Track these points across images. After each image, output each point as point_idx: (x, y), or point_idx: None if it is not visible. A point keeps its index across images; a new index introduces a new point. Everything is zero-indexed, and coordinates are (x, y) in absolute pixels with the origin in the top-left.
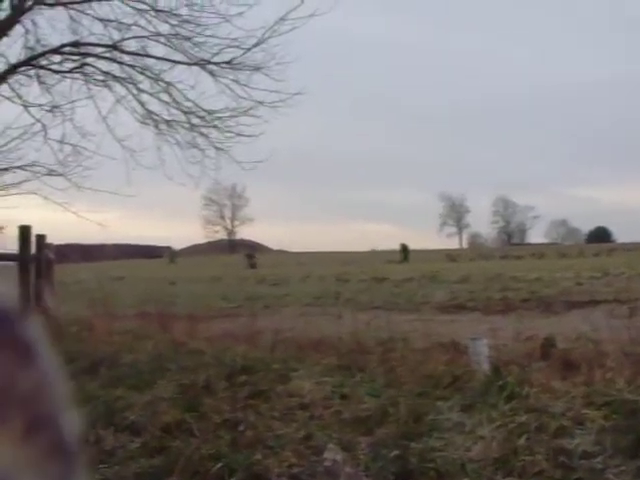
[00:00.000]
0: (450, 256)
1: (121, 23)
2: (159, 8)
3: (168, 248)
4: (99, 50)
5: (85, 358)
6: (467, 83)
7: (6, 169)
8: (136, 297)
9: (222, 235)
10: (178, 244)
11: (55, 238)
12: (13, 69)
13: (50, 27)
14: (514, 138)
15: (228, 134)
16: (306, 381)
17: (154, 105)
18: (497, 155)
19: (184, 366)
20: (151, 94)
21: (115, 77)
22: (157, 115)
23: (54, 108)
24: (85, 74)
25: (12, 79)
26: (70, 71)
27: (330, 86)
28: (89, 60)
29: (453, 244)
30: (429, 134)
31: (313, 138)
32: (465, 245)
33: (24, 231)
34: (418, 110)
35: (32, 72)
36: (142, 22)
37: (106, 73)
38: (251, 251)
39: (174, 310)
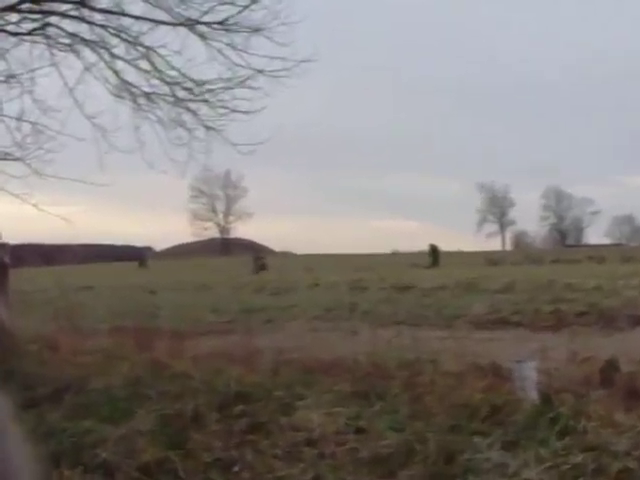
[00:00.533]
0: (490, 259)
1: None
2: None
3: (148, 249)
4: (64, 7)
5: (47, 383)
6: (508, 53)
7: None
8: (109, 309)
9: (214, 233)
10: (161, 244)
11: (10, 237)
12: None
13: None
14: (568, 117)
15: (221, 110)
16: (315, 412)
17: (131, 75)
18: (548, 137)
19: (167, 393)
20: (127, 61)
21: (84, 40)
22: (135, 87)
23: (10, 78)
24: (47, 37)
25: None
26: (29, 33)
27: (344, 52)
28: (52, 20)
29: (494, 245)
30: (465, 111)
31: (324, 115)
32: (509, 246)
33: None
34: (452, 83)
35: None
36: None
37: (73, 35)
38: (255, 253)
39: (155, 325)
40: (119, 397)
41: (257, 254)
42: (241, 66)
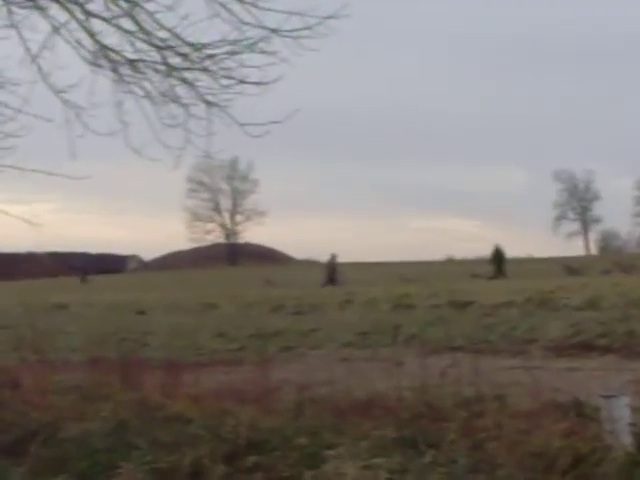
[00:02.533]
0: (570, 267)
1: None
2: None
3: (133, 258)
4: None
5: (7, 431)
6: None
7: None
8: (86, 335)
9: (218, 237)
10: (151, 251)
11: None
12: None
13: None
14: None
15: (225, 81)
16: (349, 464)
17: (111, 37)
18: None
19: (160, 441)
20: (106, 20)
21: None
22: (116, 52)
23: None
24: None
25: None
26: None
27: (380, 9)
28: None
29: (575, 249)
30: (529, 82)
31: (357, 89)
32: (594, 250)
33: None
34: (509, 41)
35: None
36: None
37: None
38: (331, 261)
39: (144, 355)
40: (99, 447)
41: (332, 260)
42: (250, 24)
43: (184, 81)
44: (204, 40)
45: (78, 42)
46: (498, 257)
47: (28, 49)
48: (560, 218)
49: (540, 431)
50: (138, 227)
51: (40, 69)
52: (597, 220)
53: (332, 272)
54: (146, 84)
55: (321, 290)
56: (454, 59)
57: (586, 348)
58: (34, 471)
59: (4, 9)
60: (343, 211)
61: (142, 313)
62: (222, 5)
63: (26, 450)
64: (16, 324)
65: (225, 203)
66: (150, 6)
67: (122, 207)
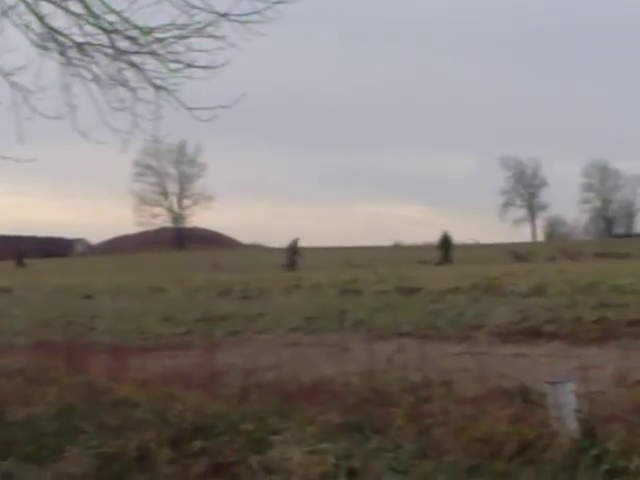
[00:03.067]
0: (517, 254)
1: None
2: None
3: (79, 241)
4: None
5: None
6: None
7: None
8: (31, 318)
9: (165, 221)
10: (98, 235)
11: None
12: None
13: None
14: (615, 70)
15: (173, 65)
16: (294, 449)
17: (59, 20)
18: (589, 97)
19: (106, 425)
20: (54, 2)
21: None
22: (64, 35)
23: None
24: None
25: None
26: None
27: None
28: None
29: (522, 235)
30: (476, 66)
31: (306, 74)
32: (540, 237)
33: None
34: (455, 28)
35: None
36: None
37: None
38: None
39: (91, 339)
40: (45, 431)
41: (294, 244)
42: (199, 9)
43: (132, 65)
44: (152, 24)
45: (26, 25)
46: (446, 244)
47: None
48: (507, 204)
49: (486, 417)
50: (85, 211)
51: None
52: (544, 207)
53: (293, 255)
54: (94, 67)
55: (269, 274)
56: (405, 45)
57: (533, 334)
58: None
59: None
60: (291, 196)
61: (88, 297)
62: None
63: None
64: None
65: (173, 187)
66: None
67: (70, 190)
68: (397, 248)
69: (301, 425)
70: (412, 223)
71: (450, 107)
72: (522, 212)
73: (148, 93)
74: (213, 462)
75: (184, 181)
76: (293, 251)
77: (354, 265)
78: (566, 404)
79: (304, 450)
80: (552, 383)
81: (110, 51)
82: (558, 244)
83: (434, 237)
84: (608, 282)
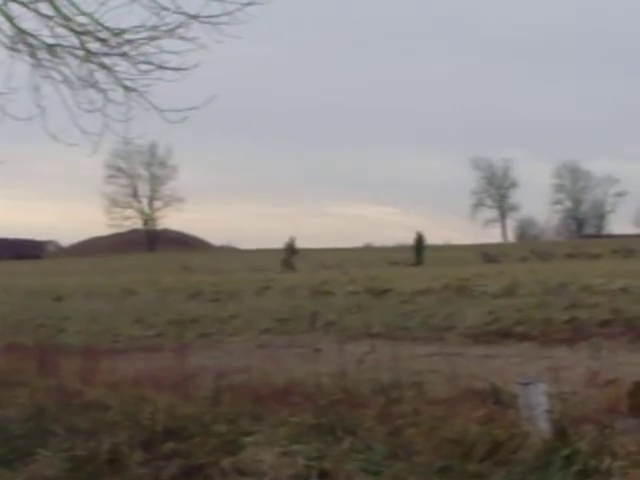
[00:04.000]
0: (488, 255)
1: None
2: None
3: (49, 243)
4: None
5: None
6: None
7: None
8: (2, 321)
9: (136, 223)
10: (69, 237)
11: None
12: None
13: None
14: (586, 73)
15: (144, 66)
16: (266, 450)
17: (30, 22)
18: (559, 100)
19: (77, 428)
20: (25, 4)
21: None
22: (34, 37)
23: None
24: None
25: None
26: None
27: None
28: None
29: (492, 236)
30: (444, 66)
31: (277, 75)
32: (511, 238)
33: None
34: (424, 28)
35: None
36: None
37: None
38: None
39: (61, 341)
40: (16, 434)
41: (291, 243)
42: (169, 10)
43: (103, 66)
44: (123, 25)
45: None
46: (418, 245)
47: None
48: (478, 205)
49: (458, 418)
50: (56, 213)
51: None
52: (515, 207)
53: (290, 256)
54: (64, 69)
55: (240, 276)
56: (374, 44)
57: (503, 335)
58: None
59: None
60: (263, 198)
61: (60, 299)
62: None
63: None
64: None
65: (144, 189)
66: None
67: (40, 192)
68: (368, 249)
69: (273, 427)
70: (383, 224)
71: (420, 108)
72: (493, 213)
73: (119, 95)
74: (185, 464)
75: (155, 183)
76: (291, 251)
77: (325, 266)
78: (537, 405)
79: (276, 452)
80: (524, 384)
81: (80, 53)
82: (529, 245)
83: (405, 238)
84: (579, 283)
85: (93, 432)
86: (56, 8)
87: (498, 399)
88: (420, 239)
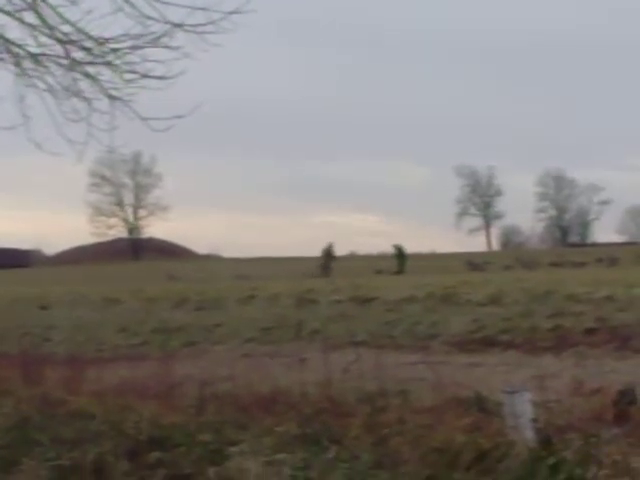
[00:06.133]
0: (473, 263)
1: None
2: None
3: (34, 252)
4: None
5: None
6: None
7: None
8: None
9: (120, 232)
10: (53, 246)
11: None
12: None
13: None
14: (571, 82)
15: (128, 75)
16: (251, 460)
17: (14, 31)
18: (544, 107)
19: (62, 437)
20: (9, 13)
21: None
22: (18, 46)
23: None
24: None
25: None
26: None
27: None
28: None
29: (477, 245)
30: (432, 73)
31: (261, 83)
32: (495, 246)
33: None
34: (409, 37)
35: None
36: None
37: None
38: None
39: (46, 350)
40: (0, 443)
41: (329, 248)
42: (154, 19)
43: (87, 75)
44: (107, 34)
45: None
46: (400, 254)
47: None
48: (462, 214)
49: (443, 426)
50: (41, 222)
51: None
52: (499, 216)
53: (328, 261)
54: (49, 78)
55: (224, 285)
56: (356, 54)
57: (488, 343)
58: None
59: None
60: (247, 207)
61: (44, 308)
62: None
63: None
64: None
65: (128, 198)
66: (53, 0)
67: (24, 201)
68: (352, 258)
69: (258, 436)
70: (367, 233)
71: (404, 117)
72: (477, 221)
73: (103, 104)
74: (170, 474)
75: (139, 192)
76: (328, 256)
77: (309, 275)
78: (523, 413)
79: (261, 461)
80: (509, 392)
81: (65, 62)
82: (513, 253)
83: (389, 247)
84: (563, 291)
85: (78, 442)
86: (40, 17)
87: (483, 407)
88: (400, 249)
